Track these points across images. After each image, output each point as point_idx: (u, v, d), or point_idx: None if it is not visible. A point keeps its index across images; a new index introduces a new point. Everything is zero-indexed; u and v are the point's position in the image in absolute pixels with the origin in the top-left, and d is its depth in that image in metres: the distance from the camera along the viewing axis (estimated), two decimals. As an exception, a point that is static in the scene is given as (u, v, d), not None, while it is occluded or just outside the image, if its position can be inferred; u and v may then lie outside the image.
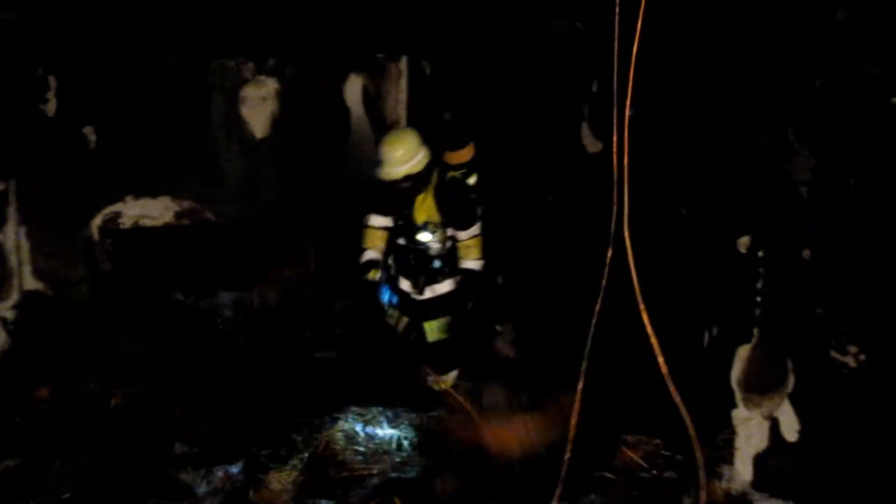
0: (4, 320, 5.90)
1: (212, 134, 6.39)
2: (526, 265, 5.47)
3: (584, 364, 3.33)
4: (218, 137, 6.40)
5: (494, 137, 5.64)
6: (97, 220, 6.17)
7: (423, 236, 5.18)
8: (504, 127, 5.53)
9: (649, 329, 3.27)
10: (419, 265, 5.28)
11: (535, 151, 5.26)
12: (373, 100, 6.75)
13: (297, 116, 6.58)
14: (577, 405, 3.32)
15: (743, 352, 3.91)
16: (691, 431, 3.34)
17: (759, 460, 3.89)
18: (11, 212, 5.84)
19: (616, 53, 3.20)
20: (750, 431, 3.90)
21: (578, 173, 4.84)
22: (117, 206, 6.20)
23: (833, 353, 3.48)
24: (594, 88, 4.66)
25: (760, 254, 3.75)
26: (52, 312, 6.04)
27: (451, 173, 5.25)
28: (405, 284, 5.32)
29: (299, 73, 6.53)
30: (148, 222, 6.30)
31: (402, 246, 5.32)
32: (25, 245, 5.93)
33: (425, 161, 5.05)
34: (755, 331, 3.83)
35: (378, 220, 5.35)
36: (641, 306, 3.28)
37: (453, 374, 5.45)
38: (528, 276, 5.49)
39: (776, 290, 3.73)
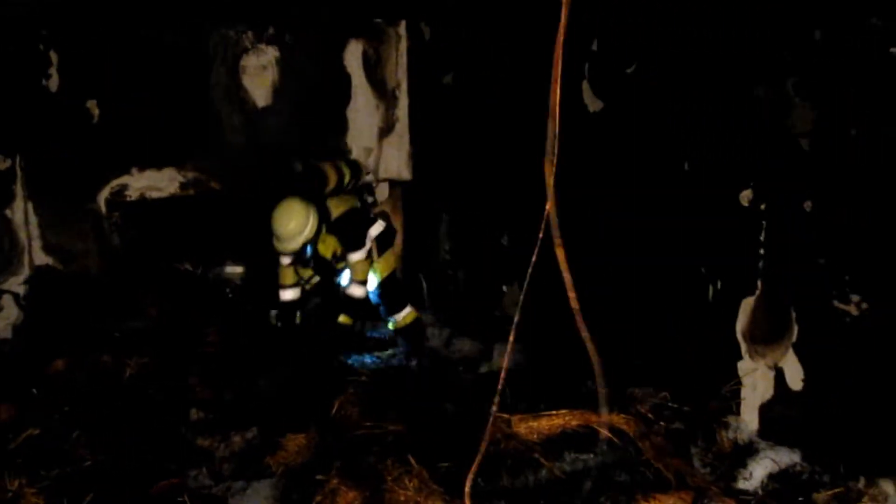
0: (17, 295, 5.97)
1: (214, 104, 6.40)
2: (528, 226, 5.50)
3: (517, 318, 3.39)
4: (220, 107, 6.42)
5: (494, 99, 5.66)
6: (104, 194, 6.21)
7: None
8: (503, 88, 5.54)
9: (563, 266, 3.33)
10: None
11: (535, 113, 5.26)
12: (373, 65, 6.76)
13: (298, 84, 6.58)
14: (506, 360, 3.35)
15: (747, 304, 3.96)
16: (595, 362, 3.39)
17: (765, 410, 3.96)
18: (18, 188, 5.89)
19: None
20: (755, 382, 3.96)
21: (580, 133, 4.86)
22: (123, 179, 6.24)
23: (835, 303, 3.53)
24: (594, 47, 4.66)
25: (762, 206, 3.80)
26: (63, 286, 6.11)
27: (336, 205, 5.59)
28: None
29: (298, 40, 6.53)
30: (154, 194, 6.33)
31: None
32: (34, 220, 5.99)
33: (315, 222, 5.40)
34: (759, 283, 3.88)
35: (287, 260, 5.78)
36: (560, 252, 3.34)
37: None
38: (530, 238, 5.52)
39: (778, 242, 3.78)
